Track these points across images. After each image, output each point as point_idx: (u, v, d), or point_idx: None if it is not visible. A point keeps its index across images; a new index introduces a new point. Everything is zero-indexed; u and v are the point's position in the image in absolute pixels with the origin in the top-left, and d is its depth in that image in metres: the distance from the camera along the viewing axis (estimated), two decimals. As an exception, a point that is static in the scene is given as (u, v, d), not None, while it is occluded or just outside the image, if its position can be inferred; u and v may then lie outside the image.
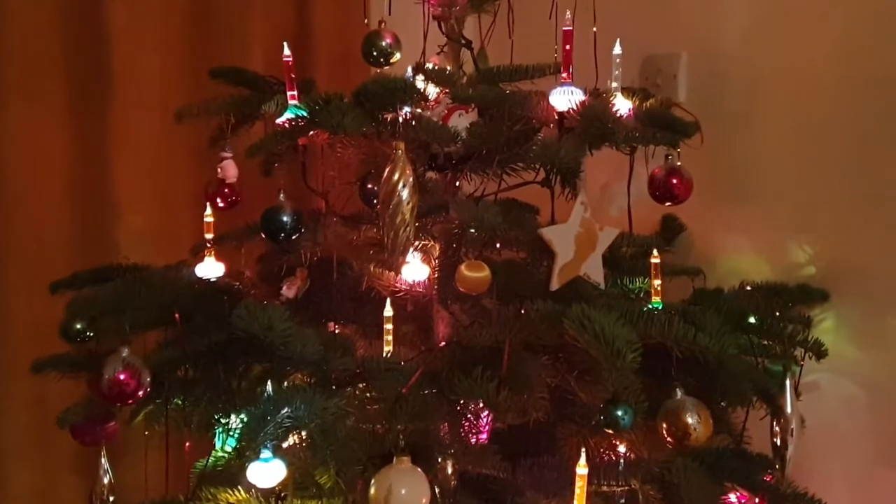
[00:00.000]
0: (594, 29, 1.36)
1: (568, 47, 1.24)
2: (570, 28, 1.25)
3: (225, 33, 1.94)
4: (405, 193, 1.22)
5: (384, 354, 1.32)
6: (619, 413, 1.09)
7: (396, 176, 1.22)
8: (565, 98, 1.25)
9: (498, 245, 1.29)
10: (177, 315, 1.29)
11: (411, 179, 1.22)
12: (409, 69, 1.50)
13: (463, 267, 1.26)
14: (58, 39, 1.81)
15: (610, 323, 1.05)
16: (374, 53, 1.47)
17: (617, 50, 1.41)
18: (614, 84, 1.40)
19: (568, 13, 1.27)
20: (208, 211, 1.50)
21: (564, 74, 1.27)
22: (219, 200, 1.56)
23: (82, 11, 1.82)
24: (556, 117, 1.27)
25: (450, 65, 1.50)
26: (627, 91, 1.47)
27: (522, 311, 1.20)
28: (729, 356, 1.19)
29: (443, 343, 1.29)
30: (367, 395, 1.25)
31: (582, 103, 1.24)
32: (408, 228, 1.23)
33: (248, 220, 1.54)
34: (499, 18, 1.51)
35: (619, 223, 1.54)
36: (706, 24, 1.80)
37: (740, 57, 1.76)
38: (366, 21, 1.54)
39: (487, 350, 1.18)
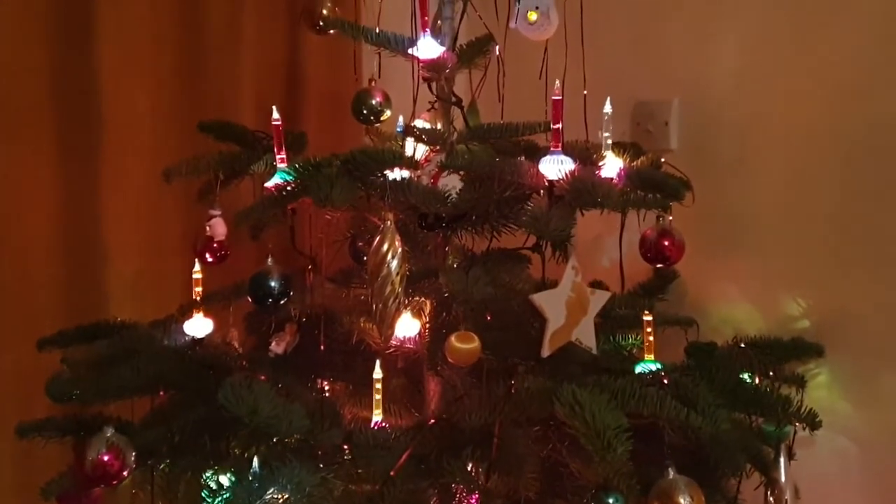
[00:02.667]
0: (584, 92, 1.35)
1: (558, 120, 1.22)
2: (560, 97, 1.23)
3: (215, 75, 1.92)
4: (394, 264, 1.21)
5: (372, 421, 1.31)
6: (610, 501, 1.08)
7: (385, 247, 1.21)
8: (555, 167, 1.23)
9: (489, 317, 1.27)
10: (162, 393, 1.27)
11: (400, 250, 1.21)
12: (400, 120, 1.49)
13: (453, 338, 1.25)
14: (45, 83, 1.77)
15: (601, 408, 1.03)
16: (365, 111, 1.47)
17: (607, 108, 1.40)
18: (605, 142, 1.39)
19: (557, 82, 1.25)
20: (197, 267, 1.49)
21: (554, 142, 1.25)
22: (207, 256, 1.55)
23: (70, 54, 1.78)
24: (546, 185, 1.25)
25: (440, 122, 1.49)
26: (618, 147, 1.46)
27: (512, 391, 1.18)
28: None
29: (432, 420, 1.27)
30: (356, 463, 1.23)
31: (571, 173, 1.22)
32: (397, 300, 1.22)
33: (238, 271, 1.52)
34: (489, 73, 1.50)
35: (611, 273, 1.53)
36: (698, 71, 1.79)
37: (732, 103, 1.75)
38: (356, 77, 1.52)
39: (477, 428, 1.16)
